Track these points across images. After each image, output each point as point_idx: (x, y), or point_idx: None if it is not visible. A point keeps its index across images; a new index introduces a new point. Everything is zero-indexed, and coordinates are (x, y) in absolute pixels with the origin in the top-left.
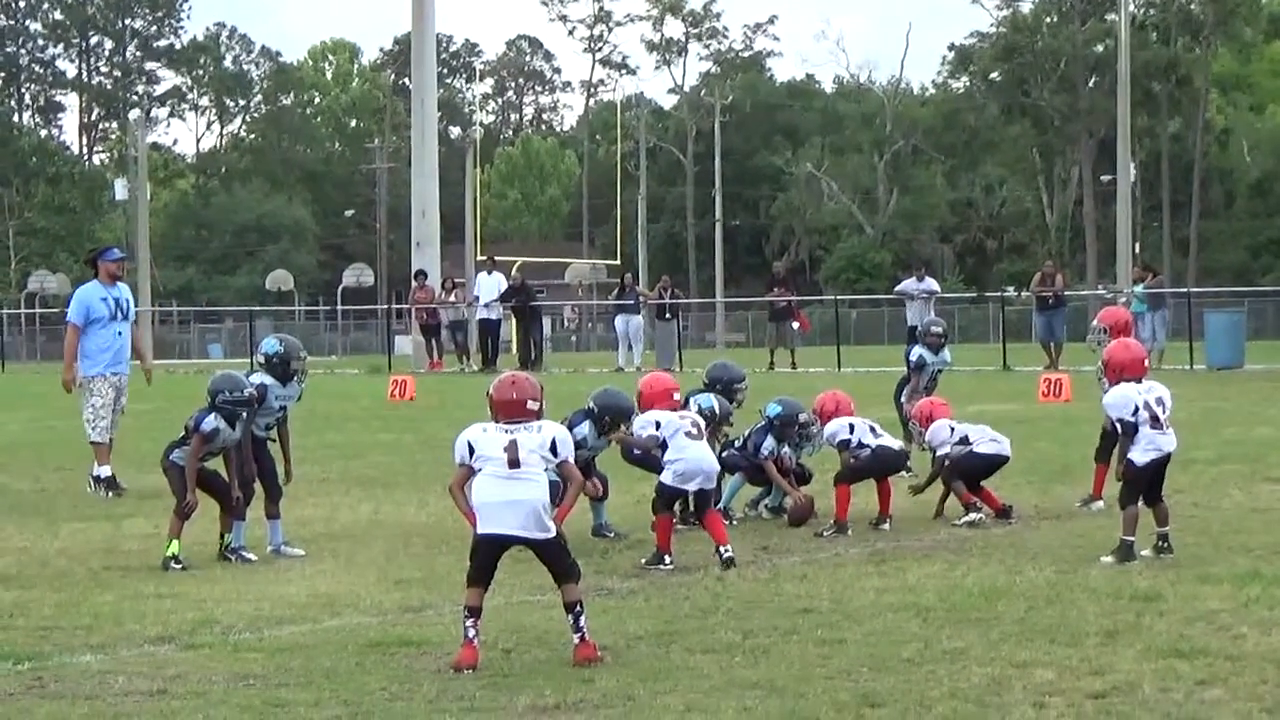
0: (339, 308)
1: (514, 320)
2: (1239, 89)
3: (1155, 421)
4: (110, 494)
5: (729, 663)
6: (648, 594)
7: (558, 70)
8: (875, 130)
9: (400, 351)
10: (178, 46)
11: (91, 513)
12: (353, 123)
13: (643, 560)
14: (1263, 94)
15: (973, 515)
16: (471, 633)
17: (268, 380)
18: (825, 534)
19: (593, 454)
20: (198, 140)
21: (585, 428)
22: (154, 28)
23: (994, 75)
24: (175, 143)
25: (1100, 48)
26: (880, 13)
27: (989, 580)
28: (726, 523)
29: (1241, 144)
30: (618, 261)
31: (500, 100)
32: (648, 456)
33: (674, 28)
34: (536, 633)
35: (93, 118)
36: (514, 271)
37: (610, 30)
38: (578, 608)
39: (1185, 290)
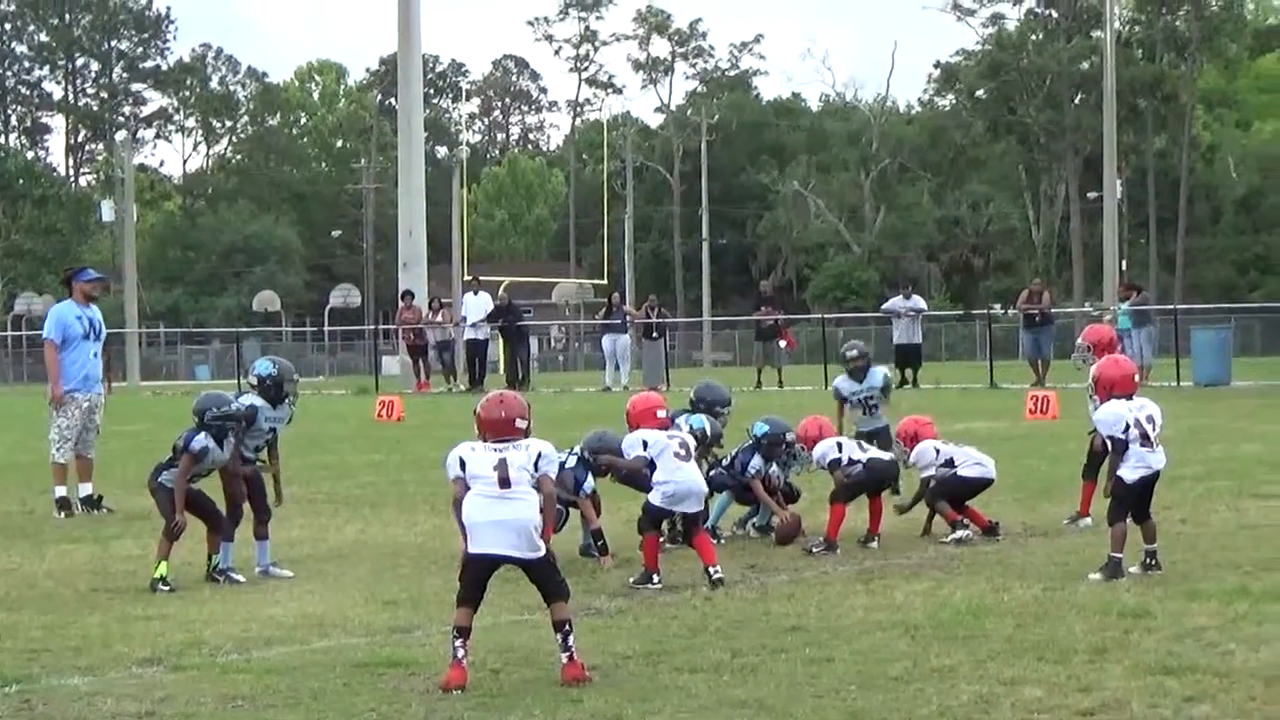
0: (326, 328)
1: (501, 340)
2: (1225, 105)
3: (1145, 439)
4: (64, 514)
5: (717, 682)
6: (636, 613)
7: (544, 90)
8: (861, 148)
9: (387, 372)
10: (164, 68)
11: (79, 534)
12: (339, 143)
13: (631, 580)
14: (1248, 110)
15: (960, 533)
16: (460, 653)
17: (258, 402)
18: (814, 550)
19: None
20: (184, 161)
21: (587, 475)
22: (140, 49)
23: (980, 93)
24: (162, 164)
25: (1086, 65)
26: (866, 31)
27: (977, 598)
28: (714, 541)
29: (1227, 160)
30: (604, 281)
31: (487, 120)
32: (636, 476)
33: (660, 47)
34: (525, 652)
35: (79, 139)
36: (501, 291)
37: (596, 50)
38: (566, 627)
39: (1172, 307)
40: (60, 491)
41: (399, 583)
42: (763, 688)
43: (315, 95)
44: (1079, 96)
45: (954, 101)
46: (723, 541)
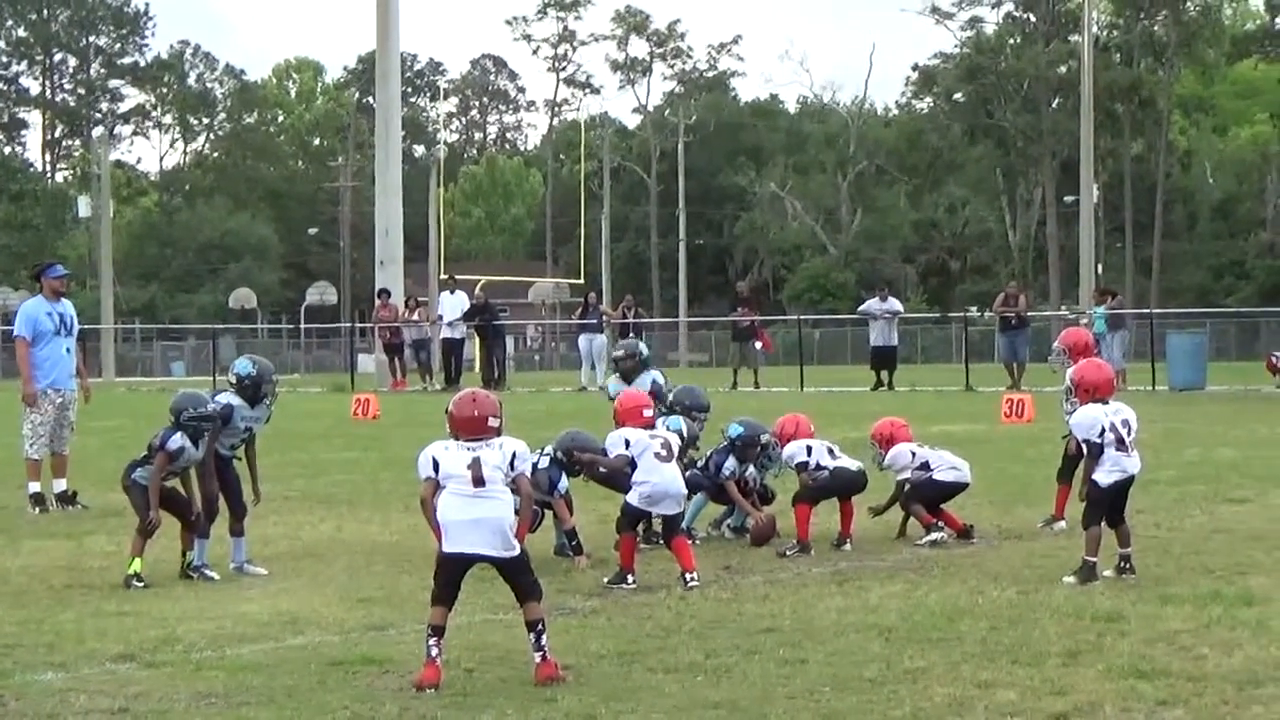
0: (302, 326)
1: (477, 339)
2: (1202, 111)
3: (1121, 444)
4: (38, 510)
5: (691, 682)
6: (610, 613)
7: (522, 89)
8: (839, 150)
9: (363, 370)
10: (142, 64)
11: (53, 530)
12: (316, 141)
13: (605, 579)
14: (1225, 116)
15: (934, 535)
16: (434, 651)
17: (235, 401)
18: (788, 553)
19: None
20: (161, 158)
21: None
22: (118, 45)
23: (958, 96)
24: (139, 160)
25: (1064, 69)
26: (844, 33)
27: (951, 600)
28: (690, 542)
29: (1204, 165)
30: (581, 281)
31: (464, 119)
32: (616, 475)
33: (638, 47)
34: (499, 652)
35: (56, 135)
36: (477, 290)
37: (574, 50)
38: (539, 626)
39: (1147, 311)
40: (34, 487)
41: (374, 581)
42: (736, 689)
43: (293, 93)
44: (1056, 100)
45: (932, 104)
46: (697, 542)
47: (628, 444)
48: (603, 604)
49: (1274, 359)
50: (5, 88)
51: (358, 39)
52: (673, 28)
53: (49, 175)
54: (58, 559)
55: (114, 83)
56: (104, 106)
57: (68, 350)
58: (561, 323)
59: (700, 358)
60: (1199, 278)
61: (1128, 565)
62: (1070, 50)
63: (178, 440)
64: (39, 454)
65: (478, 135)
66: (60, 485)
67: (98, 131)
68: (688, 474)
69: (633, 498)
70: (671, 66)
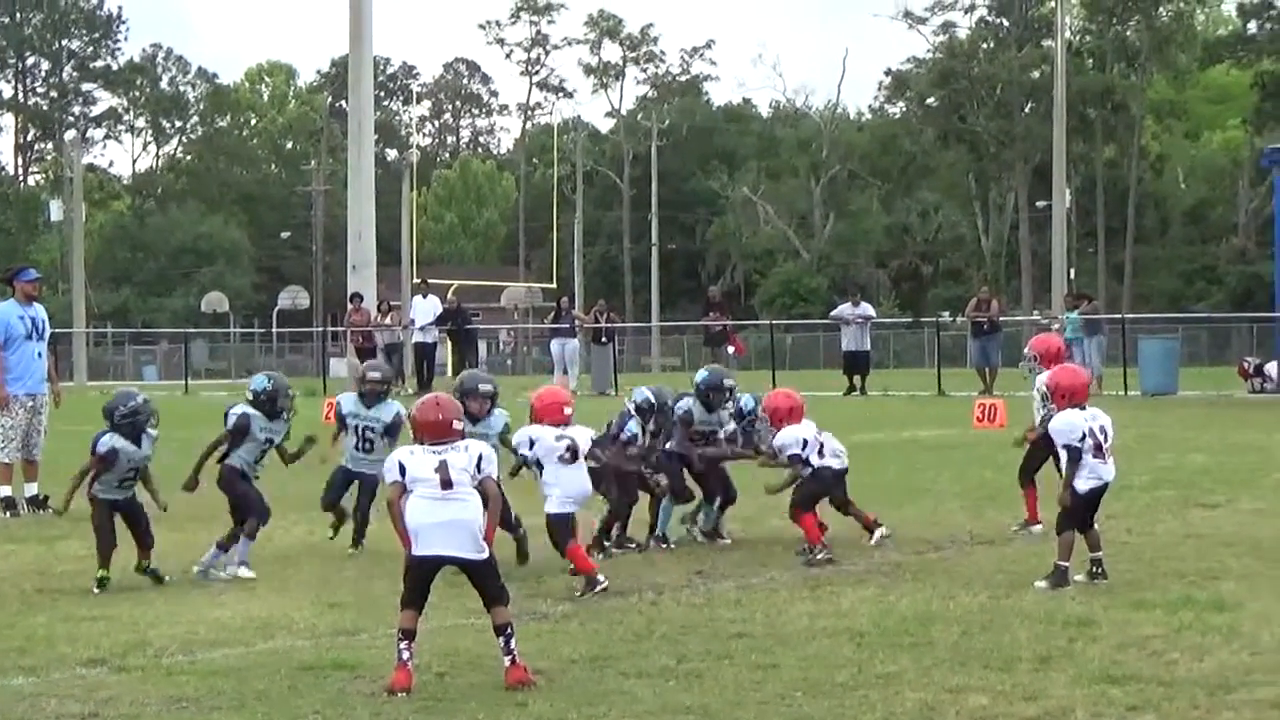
0: (274, 330)
1: (450, 344)
2: (1174, 116)
3: (1098, 450)
4: (9, 514)
5: (663, 687)
6: (581, 618)
7: (495, 93)
8: (811, 155)
9: (335, 374)
10: (114, 68)
11: (23, 534)
12: (289, 145)
13: (577, 593)
14: (1197, 121)
15: (820, 554)
16: (405, 655)
17: (251, 411)
18: (818, 557)
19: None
20: (134, 161)
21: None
22: (90, 49)
23: (930, 101)
24: (111, 164)
25: (1036, 74)
26: (817, 38)
27: (923, 605)
28: (664, 547)
29: (1176, 171)
30: (554, 285)
31: (437, 123)
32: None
33: (611, 51)
34: (470, 656)
35: (28, 138)
36: (449, 295)
37: (548, 54)
38: (508, 630)
39: (1120, 316)
40: (5, 491)
41: (345, 585)
42: (708, 694)
43: (265, 96)
44: (1029, 105)
45: (904, 109)
46: (672, 547)
47: (531, 444)
48: (574, 609)
49: (1246, 364)
50: None
51: (330, 42)
52: (646, 32)
53: (21, 179)
54: (28, 563)
55: (86, 86)
56: (76, 110)
57: (40, 354)
58: (534, 327)
59: (673, 362)
60: (1171, 283)
61: (1099, 570)
62: (1043, 55)
63: (107, 441)
64: (9, 458)
65: (450, 139)
66: (32, 489)
67: (70, 135)
68: (655, 455)
69: (552, 506)
70: (644, 71)
